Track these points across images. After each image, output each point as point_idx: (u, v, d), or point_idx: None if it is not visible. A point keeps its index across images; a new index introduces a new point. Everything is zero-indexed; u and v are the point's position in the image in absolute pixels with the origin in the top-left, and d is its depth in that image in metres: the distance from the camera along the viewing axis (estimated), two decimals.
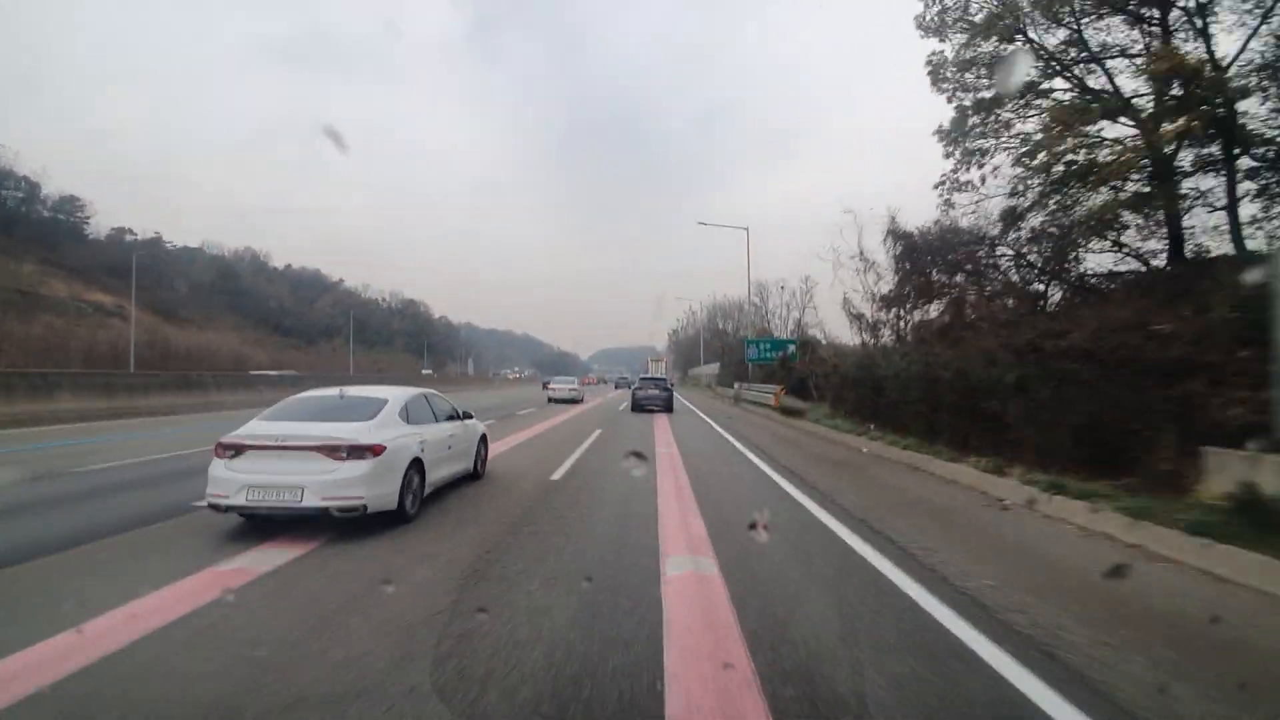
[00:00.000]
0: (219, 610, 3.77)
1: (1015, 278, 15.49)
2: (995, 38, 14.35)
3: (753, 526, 6.02)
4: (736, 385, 32.97)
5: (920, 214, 26.57)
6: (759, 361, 29.57)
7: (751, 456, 11.23)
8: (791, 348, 28.01)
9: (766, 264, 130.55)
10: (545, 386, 34.93)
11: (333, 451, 5.22)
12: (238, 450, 5.27)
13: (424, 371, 78.86)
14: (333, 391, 6.47)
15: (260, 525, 5.47)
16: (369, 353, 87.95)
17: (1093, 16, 13.38)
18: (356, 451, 5.25)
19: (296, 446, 5.23)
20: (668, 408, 22.74)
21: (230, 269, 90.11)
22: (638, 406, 22.65)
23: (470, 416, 8.15)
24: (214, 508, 5.29)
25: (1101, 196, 13.26)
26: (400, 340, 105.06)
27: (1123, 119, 13.16)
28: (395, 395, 6.43)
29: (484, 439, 8.58)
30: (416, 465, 6.00)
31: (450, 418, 7.48)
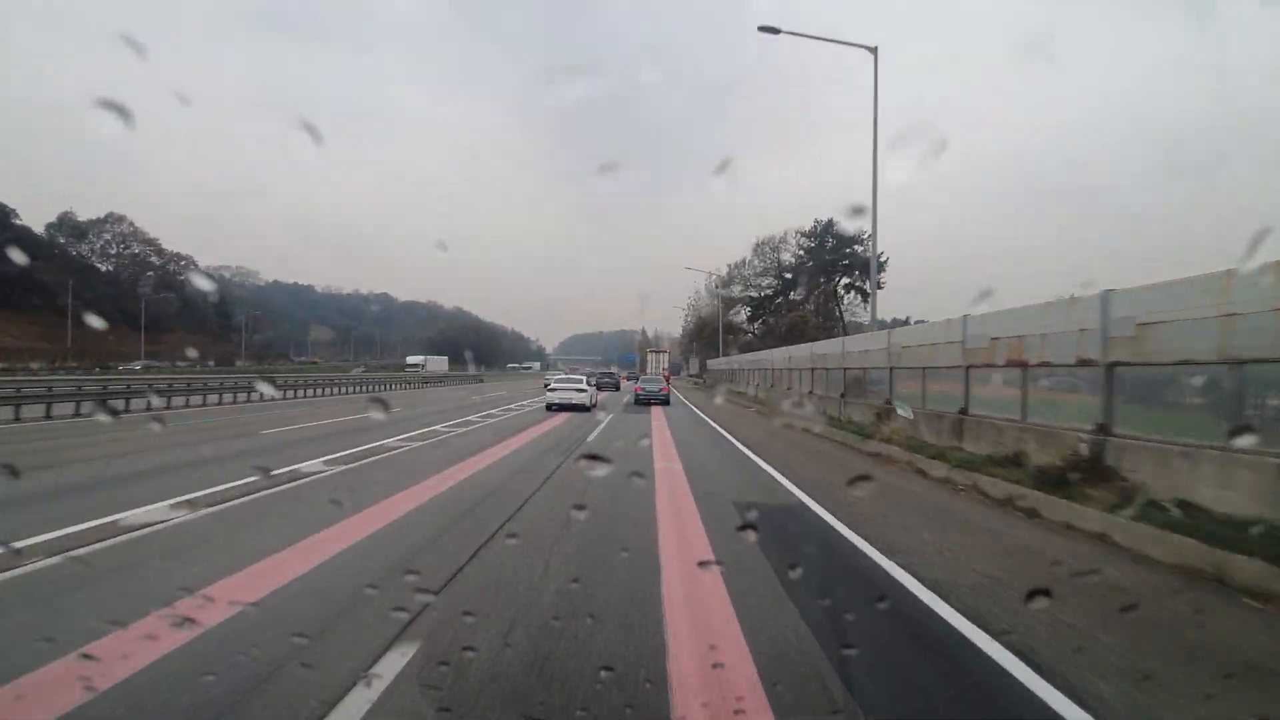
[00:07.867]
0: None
1: None
2: None
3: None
4: None
5: None
6: None
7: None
8: None
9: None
10: None
11: (577, 389, 21.36)
12: (554, 388, 21.37)
13: None
14: (563, 374, 22.71)
15: (557, 411, 21.24)
16: None
17: None
18: (584, 391, 21.42)
19: (569, 388, 21.40)
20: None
21: None
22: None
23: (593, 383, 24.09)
24: (548, 405, 21.37)
25: None
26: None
27: None
28: (584, 374, 22.80)
29: (595, 392, 24.49)
30: (591, 394, 22.07)
31: (591, 385, 23.40)
